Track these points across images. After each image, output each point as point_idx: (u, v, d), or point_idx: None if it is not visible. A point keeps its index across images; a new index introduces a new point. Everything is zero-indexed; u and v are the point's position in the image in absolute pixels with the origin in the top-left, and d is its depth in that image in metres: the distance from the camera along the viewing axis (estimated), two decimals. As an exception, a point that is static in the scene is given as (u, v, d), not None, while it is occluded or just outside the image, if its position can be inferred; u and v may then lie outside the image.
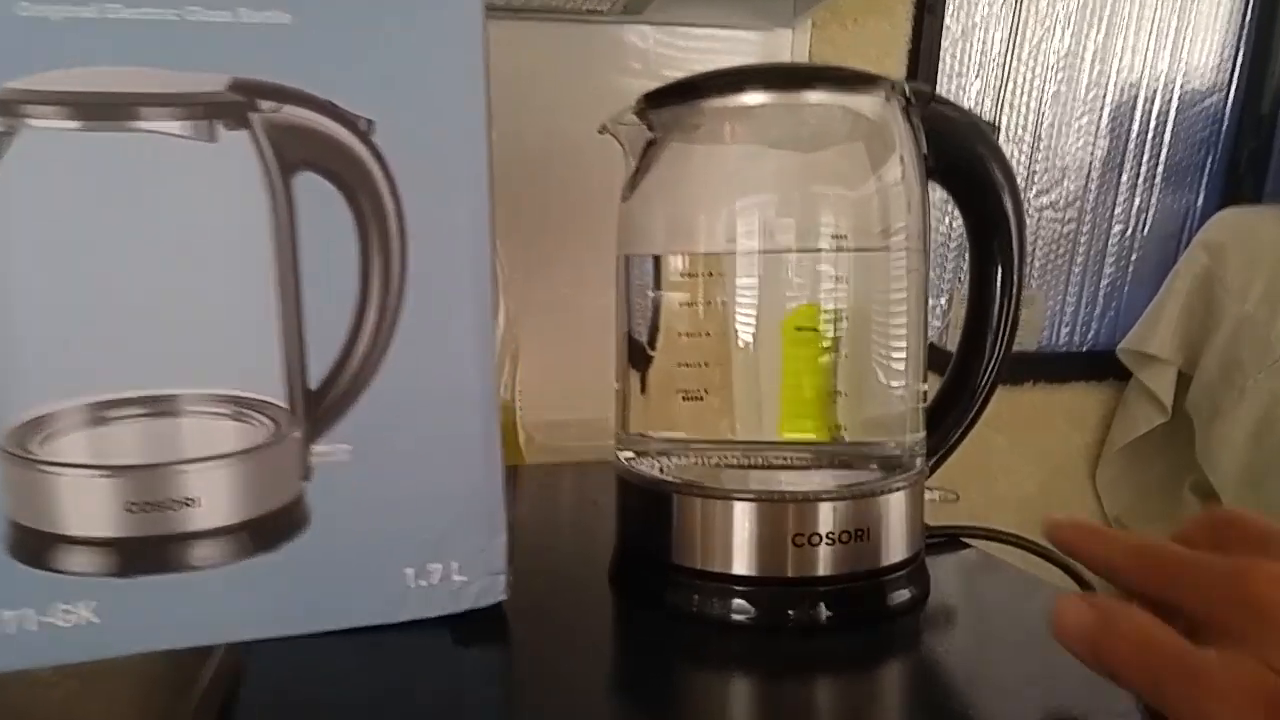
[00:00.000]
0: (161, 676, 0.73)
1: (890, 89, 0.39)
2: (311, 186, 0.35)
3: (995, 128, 0.42)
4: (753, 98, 0.38)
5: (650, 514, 0.42)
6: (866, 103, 0.40)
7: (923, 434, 0.44)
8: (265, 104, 0.34)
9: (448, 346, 0.37)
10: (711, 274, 0.40)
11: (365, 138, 0.35)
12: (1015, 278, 0.44)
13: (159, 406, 0.34)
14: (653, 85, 0.39)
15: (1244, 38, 0.99)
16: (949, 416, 0.46)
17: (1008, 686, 0.35)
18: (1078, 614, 0.29)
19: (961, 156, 0.43)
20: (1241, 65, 0.99)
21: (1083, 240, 0.99)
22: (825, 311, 0.39)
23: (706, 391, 0.41)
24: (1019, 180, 0.95)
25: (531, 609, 0.42)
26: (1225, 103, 1.00)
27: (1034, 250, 0.98)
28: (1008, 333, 0.45)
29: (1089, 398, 0.99)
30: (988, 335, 0.45)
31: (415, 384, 0.37)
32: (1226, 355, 0.89)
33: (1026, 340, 0.99)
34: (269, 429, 0.35)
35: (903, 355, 0.41)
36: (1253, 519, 0.30)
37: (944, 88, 0.92)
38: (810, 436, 0.41)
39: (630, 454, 0.44)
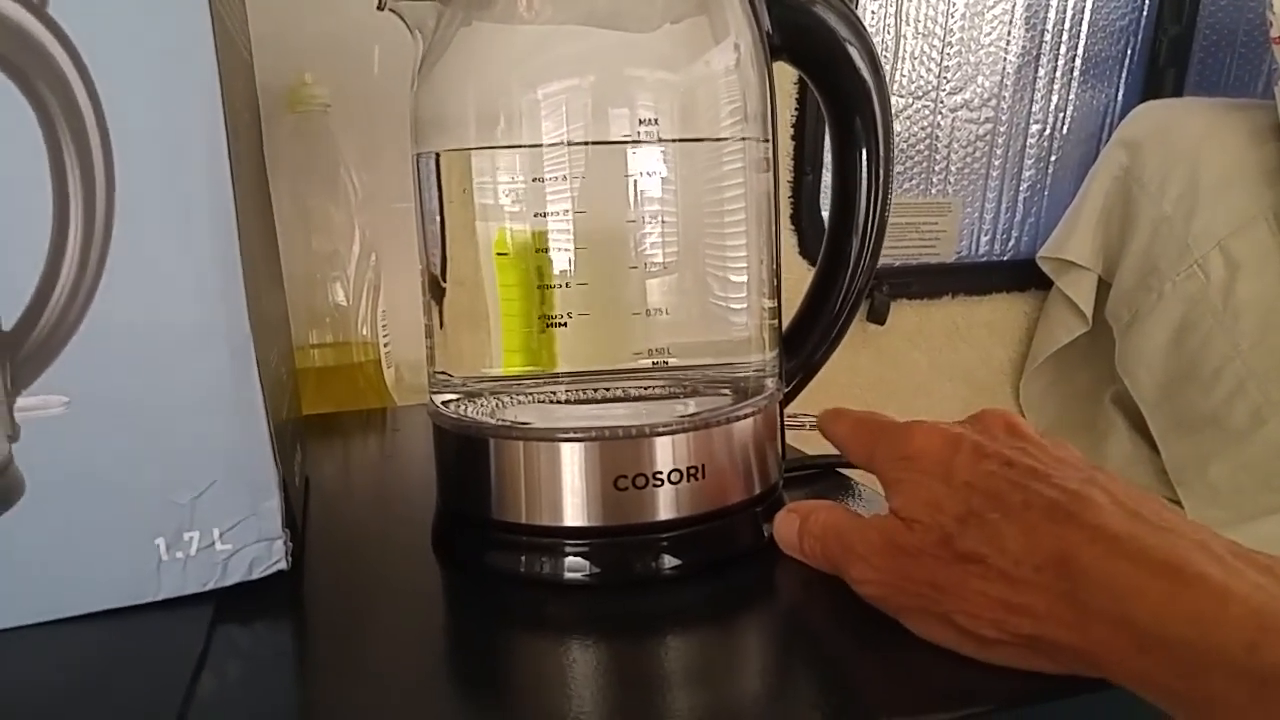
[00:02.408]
0: None
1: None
2: (-23, 78, 0.28)
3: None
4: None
5: (466, 463, 0.36)
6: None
7: (774, 353, 0.38)
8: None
9: (179, 273, 0.30)
10: (511, 176, 0.34)
11: (39, 11, 0.28)
12: (882, 162, 0.38)
13: None
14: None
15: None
16: (813, 333, 0.41)
17: (871, 633, 0.30)
18: (786, 524, 0.35)
19: (807, 28, 0.36)
20: (1162, -55, 0.94)
21: (999, 142, 0.94)
22: (630, 220, 0.33)
23: (525, 318, 0.35)
24: (931, 78, 0.89)
25: (337, 582, 0.36)
26: (1146, -14, 0.94)
27: (949, 155, 0.93)
28: (875, 231, 0.39)
29: (1011, 309, 0.95)
30: (852, 236, 0.40)
31: (140, 320, 0.30)
32: (1144, 259, 0.85)
33: (944, 251, 0.94)
34: (-48, 382, 0.29)
35: (742, 264, 0.36)
36: None
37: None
38: (625, 365, 0.36)
39: (447, 396, 0.38)
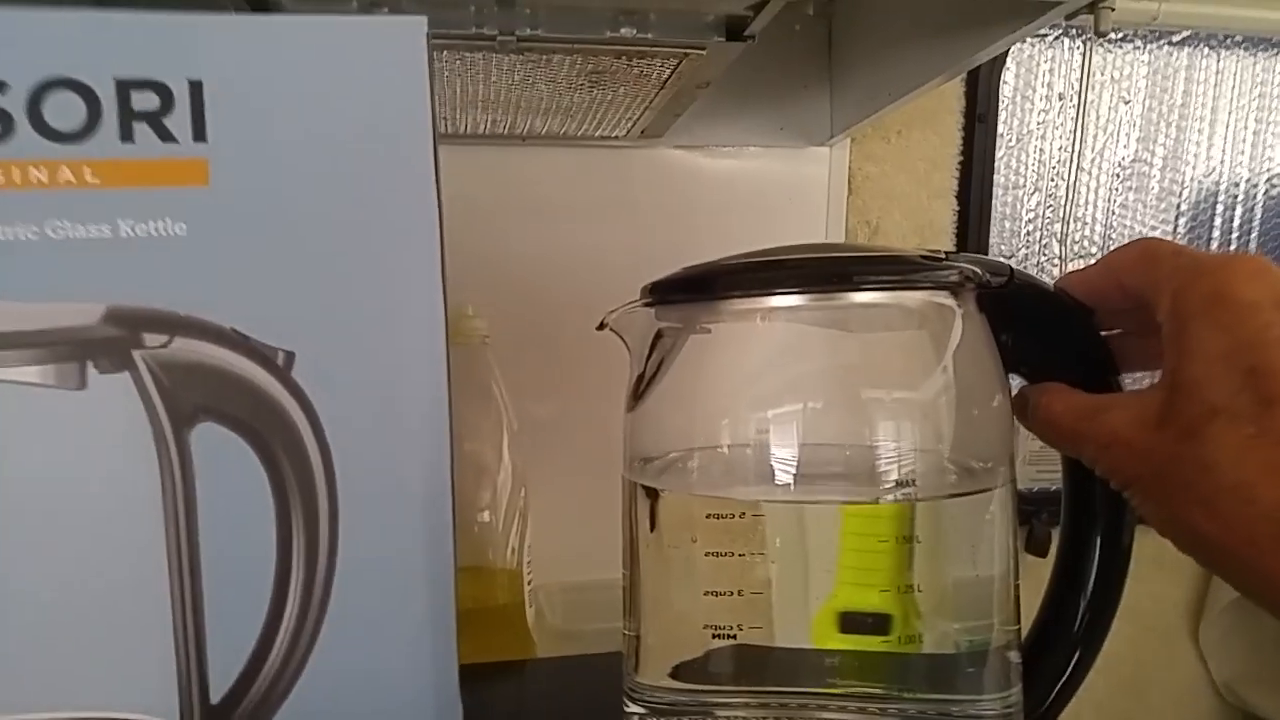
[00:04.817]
0: None
1: (961, 277, 0.31)
2: (215, 438, 0.27)
3: (1090, 311, 0.33)
4: (782, 300, 0.30)
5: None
6: (927, 297, 0.31)
7: (1017, 690, 0.34)
8: (152, 338, 0.26)
9: (393, 629, 0.28)
10: (742, 515, 0.31)
11: (283, 375, 0.27)
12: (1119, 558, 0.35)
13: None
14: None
15: (1332, 137, 0.90)
16: (1044, 665, 0.36)
17: None
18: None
19: (1050, 348, 0.34)
20: (1332, 167, 0.90)
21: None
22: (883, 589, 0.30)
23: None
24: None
25: None
26: (1317, 209, 0.90)
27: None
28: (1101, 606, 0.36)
29: (1182, 541, 0.87)
30: (1091, 557, 0.36)
31: (349, 681, 0.28)
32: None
33: (1105, 476, 0.88)
34: (152, 760, 0.27)
35: (987, 605, 0.32)
36: None
37: (998, 200, 0.84)
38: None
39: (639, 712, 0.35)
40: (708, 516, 0.33)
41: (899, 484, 0.29)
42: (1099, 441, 0.28)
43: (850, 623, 0.29)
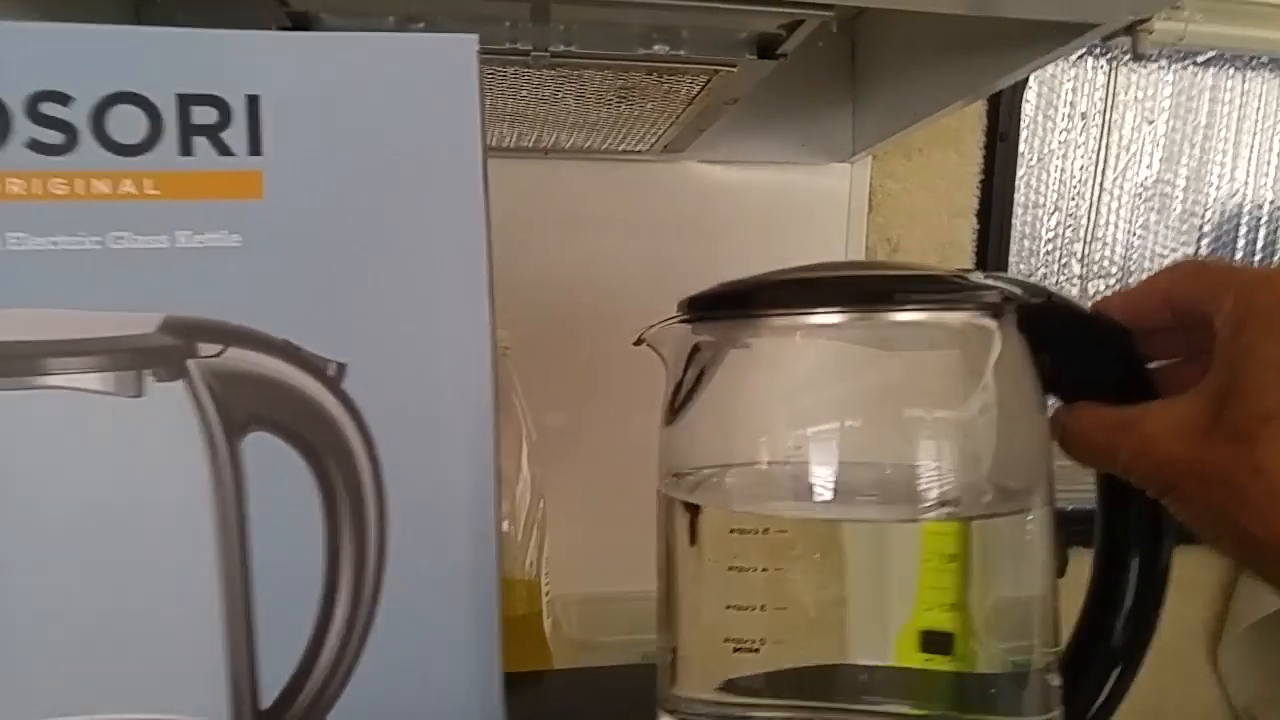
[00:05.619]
0: None
1: (1002, 298, 0.31)
2: (266, 447, 0.27)
3: (1128, 332, 0.33)
4: (824, 318, 0.30)
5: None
6: (968, 317, 0.31)
7: (1058, 714, 0.34)
8: (206, 347, 0.27)
9: (439, 634, 0.29)
10: (781, 531, 0.32)
11: (334, 386, 0.27)
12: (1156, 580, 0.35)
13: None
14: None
15: (1354, 159, 0.89)
16: (1081, 688, 0.36)
17: None
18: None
19: (1086, 369, 0.34)
20: (1353, 189, 0.90)
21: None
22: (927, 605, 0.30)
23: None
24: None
25: None
26: (1338, 231, 0.90)
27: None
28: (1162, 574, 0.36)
29: (1203, 566, 0.87)
30: (1128, 580, 0.36)
31: (396, 685, 0.28)
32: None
33: (1124, 496, 0.88)
34: (199, 766, 0.27)
35: (1028, 626, 0.32)
36: None
37: (1019, 219, 0.85)
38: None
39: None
40: (743, 531, 0.33)
41: (941, 503, 0.29)
42: (1134, 450, 0.29)
43: (930, 642, 0.29)
